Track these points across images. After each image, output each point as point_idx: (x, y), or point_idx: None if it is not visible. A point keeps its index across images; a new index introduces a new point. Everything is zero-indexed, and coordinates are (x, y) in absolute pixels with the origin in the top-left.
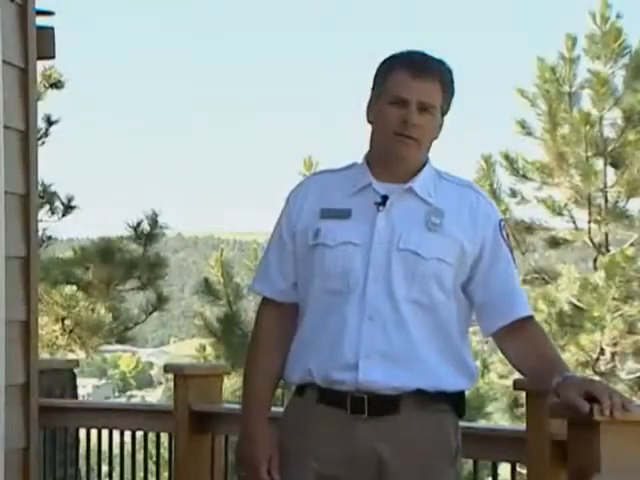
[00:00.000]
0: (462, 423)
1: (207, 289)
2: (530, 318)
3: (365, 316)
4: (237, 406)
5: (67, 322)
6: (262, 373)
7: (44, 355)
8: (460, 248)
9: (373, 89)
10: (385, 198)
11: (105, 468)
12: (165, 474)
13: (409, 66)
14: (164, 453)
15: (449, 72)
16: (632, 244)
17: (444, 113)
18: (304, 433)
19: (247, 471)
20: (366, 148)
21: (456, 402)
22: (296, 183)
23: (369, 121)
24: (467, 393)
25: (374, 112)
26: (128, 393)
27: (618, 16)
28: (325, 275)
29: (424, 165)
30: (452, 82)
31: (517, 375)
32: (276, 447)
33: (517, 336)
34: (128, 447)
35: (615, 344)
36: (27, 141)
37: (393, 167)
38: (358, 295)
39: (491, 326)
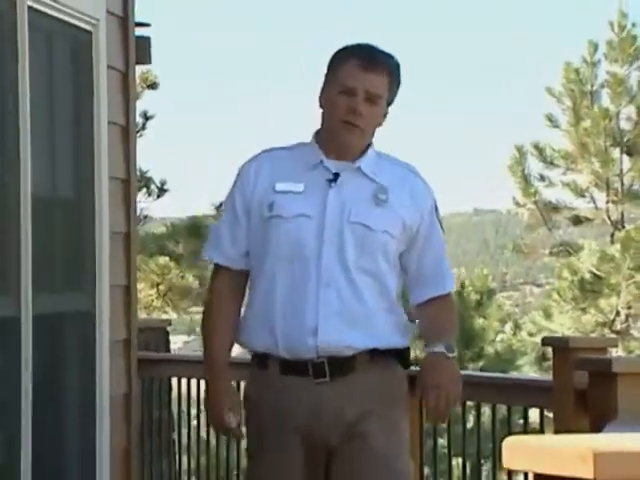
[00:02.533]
0: (497, 374)
1: None
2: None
3: (322, 283)
4: None
5: (161, 287)
6: (219, 332)
7: (142, 315)
8: (402, 223)
9: (326, 77)
10: (336, 175)
11: (193, 411)
12: (243, 414)
13: (360, 58)
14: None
15: (397, 66)
16: None
17: (389, 103)
18: (275, 407)
19: (212, 420)
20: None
21: (403, 357)
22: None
23: (320, 106)
24: (501, 348)
25: (325, 98)
26: None
27: (633, 25)
28: (280, 245)
29: (368, 146)
30: (399, 75)
31: (545, 333)
32: (236, 396)
33: (433, 304)
34: None
35: (629, 307)
36: (127, 134)
37: (340, 149)
38: (314, 264)
39: (421, 296)
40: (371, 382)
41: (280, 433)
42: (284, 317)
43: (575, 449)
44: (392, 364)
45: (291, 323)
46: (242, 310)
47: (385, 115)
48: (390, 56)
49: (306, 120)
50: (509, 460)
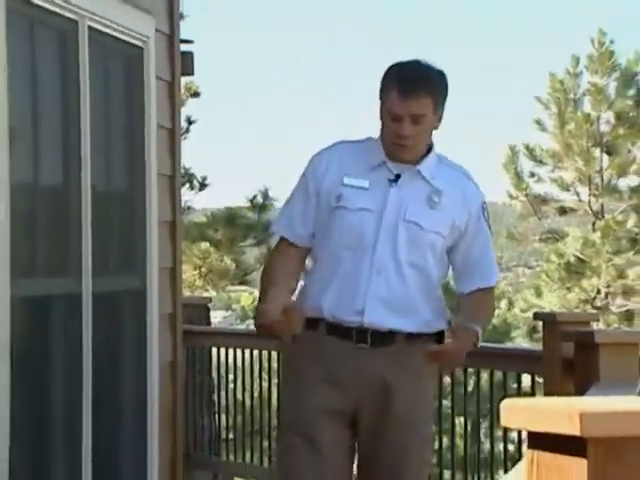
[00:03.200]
0: (494, 344)
1: None
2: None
3: (374, 270)
4: None
5: (202, 269)
6: (280, 285)
7: (186, 293)
8: (452, 223)
9: (380, 95)
10: (397, 176)
11: (230, 376)
12: (274, 380)
13: (400, 88)
14: (273, 365)
15: (438, 83)
16: (621, 212)
17: (438, 112)
18: (317, 352)
19: (261, 319)
20: None
21: (439, 337)
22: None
23: (380, 118)
24: (497, 322)
25: (381, 116)
26: (247, 322)
27: (611, 42)
28: (343, 233)
29: (429, 150)
30: (442, 89)
31: (535, 309)
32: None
33: (476, 295)
34: (247, 361)
35: (608, 286)
36: (173, 136)
37: (398, 157)
38: (369, 253)
39: (467, 288)
40: (407, 354)
41: (318, 383)
42: (337, 295)
43: (564, 409)
44: (428, 343)
45: (342, 302)
46: (300, 281)
47: (439, 120)
48: (430, 72)
49: (334, 119)
50: (506, 419)
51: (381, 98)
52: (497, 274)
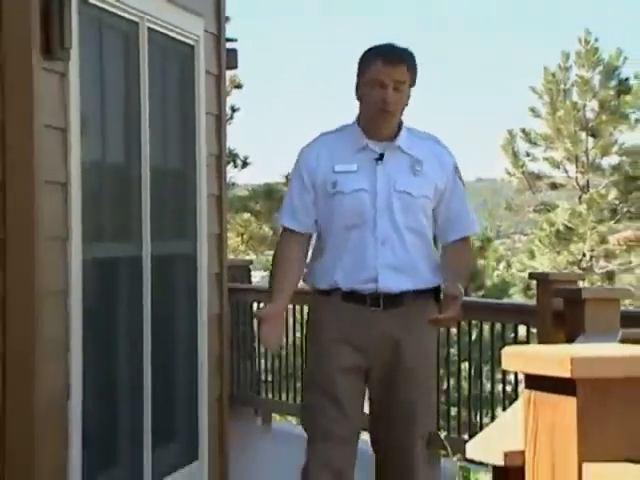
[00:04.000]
0: (494, 300)
1: None
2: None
3: (379, 242)
4: None
5: (244, 236)
6: (288, 274)
7: (230, 256)
8: (435, 186)
9: (358, 76)
10: (381, 155)
11: None
12: (304, 332)
13: (384, 57)
14: (305, 317)
15: (412, 57)
16: (604, 187)
17: (410, 88)
18: (335, 317)
19: (264, 337)
20: None
21: (437, 293)
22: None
23: (358, 99)
24: (497, 281)
25: (362, 93)
26: None
27: (596, 39)
28: (344, 214)
29: (400, 125)
30: (415, 64)
31: (530, 270)
32: (282, 323)
33: (456, 245)
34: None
35: (592, 250)
36: (220, 121)
37: (379, 132)
38: (371, 227)
39: (453, 236)
40: (413, 314)
41: (336, 345)
42: (350, 268)
43: (557, 355)
44: (429, 300)
45: (355, 273)
46: (309, 262)
47: (409, 96)
48: (408, 51)
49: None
50: (507, 363)
51: (360, 74)
52: (477, 222)
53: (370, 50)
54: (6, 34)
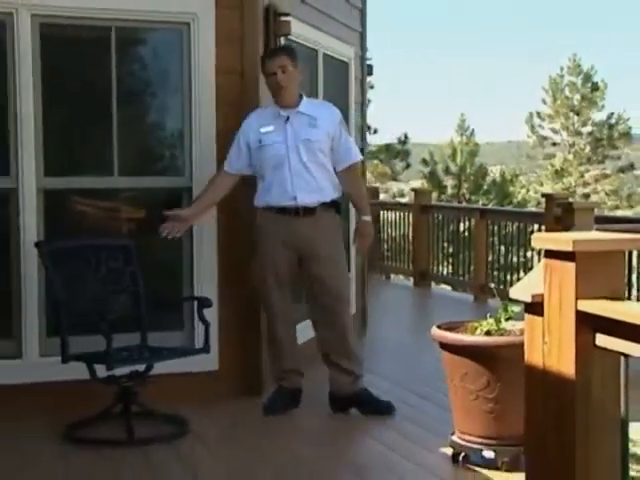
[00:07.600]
0: (519, 208)
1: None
2: (357, 162)
3: (293, 174)
4: None
5: (374, 173)
6: (203, 195)
7: None
8: (327, 133)
9: (263, 74)
10: (288, 117)
11: None
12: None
13: (265, 56)
14: None
15: (288, 47)
16: (583, 145)
17: (297, 68)
18: (272, 224)
19: (166, 218)
20: None
21: (337, 206)
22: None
23: (267, 86)
24: (520, 198)
25: (267, 83)
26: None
27: (579, 58)
28: (268, 159)
29: (301, 97)
30: (291, 51)
31: (540, 192)
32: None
33: (348, 173)
34: None
35: (576, 182)
36: (362, 106)
37: (284, 102)
38: (287, 165)
39: (342, 165)
40: (322, 219)
41: (274, 242)
42: (277, 193)
43: (564, 238)
44: (332, 211)
45: (281, 195)
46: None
47: (299, 74)
48: (282, 46)
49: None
50: (535, 243)
51: (263, 73)
52: (359, 154)
53: (263, 56)
54: None
